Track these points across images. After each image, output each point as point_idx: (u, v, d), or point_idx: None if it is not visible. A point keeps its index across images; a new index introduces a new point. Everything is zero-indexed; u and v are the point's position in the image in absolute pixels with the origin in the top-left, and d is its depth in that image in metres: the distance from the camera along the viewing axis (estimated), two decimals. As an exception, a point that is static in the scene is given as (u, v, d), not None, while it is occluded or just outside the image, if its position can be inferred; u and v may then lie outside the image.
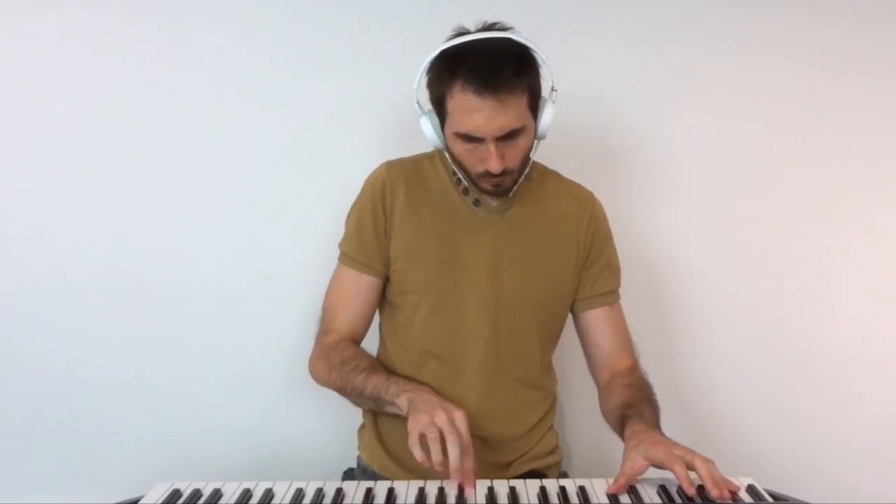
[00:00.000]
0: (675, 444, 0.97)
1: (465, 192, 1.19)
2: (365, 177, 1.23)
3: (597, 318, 1.25)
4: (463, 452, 0.93)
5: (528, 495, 0.95)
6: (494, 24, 1.09)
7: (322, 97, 1.51)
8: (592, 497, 0.95)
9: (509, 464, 1.20)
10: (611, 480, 0.98)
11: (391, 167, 1.21)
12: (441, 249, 1.17)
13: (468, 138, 1.06)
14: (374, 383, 1.09)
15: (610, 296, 1.26)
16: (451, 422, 0.94)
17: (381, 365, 1.17)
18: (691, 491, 0.91)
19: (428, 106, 1.12)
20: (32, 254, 1.48)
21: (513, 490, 0.95)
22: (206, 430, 1.54)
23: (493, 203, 1.19)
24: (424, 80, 1.11)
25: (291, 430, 1.55)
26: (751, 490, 0.97)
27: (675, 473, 0.92)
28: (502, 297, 1.17)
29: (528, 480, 0.99)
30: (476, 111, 1.02)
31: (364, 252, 1.19)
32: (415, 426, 0.95)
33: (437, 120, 1.11)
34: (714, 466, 0.93)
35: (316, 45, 1.50)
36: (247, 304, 1.52)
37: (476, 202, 1.18)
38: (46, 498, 1.47)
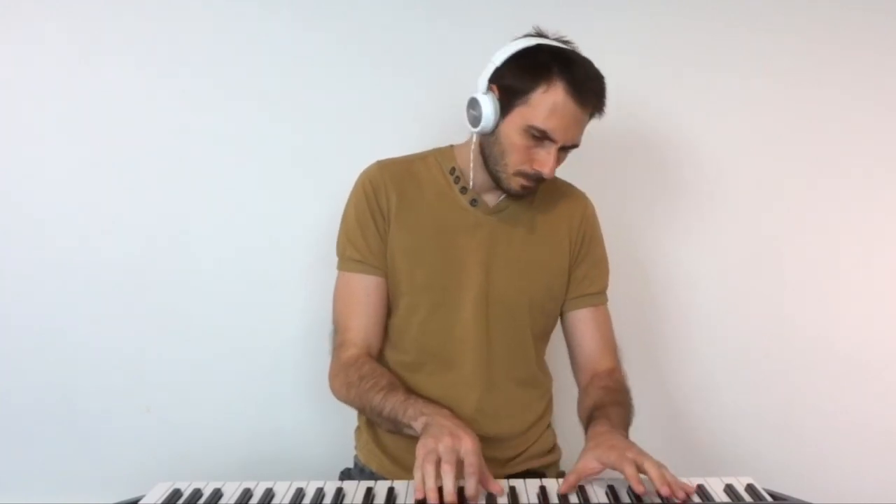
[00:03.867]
0: (631, 447, 0.96)
1: (463, 190, 1.19)
2: None
3: (581, 319, 1.25)
4: (466, 476, 0.89)
5: (527, 495, 0.95)
6: (570, 42, 1.12)
7: (325, 98, 1.51)
8: (592, 497, 0.95)
9: (507, 461, 1.20)
10: (612, 481, 0.98)
11: (383, 167, 1.21)
12: (438, 250, 1.17)
13: (539, 136, 1.07)
14: (392, 404, 1.04)
15: (595, 297, 1.26)
16: (455, 450, 0.90)
17: (400, 383, 1.12)
18: (640, 489, 0.90)
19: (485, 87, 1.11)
20: (32, 254, 1.48)
21: (512, 490, 0.95)
22: (207, 430, 1.54)
23: (491, 202, 1.19)
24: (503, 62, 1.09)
25: (289, 430, 1.55)
26: (750, 490, 0.97)
27: (625, 474, 0.92)
28: (496, 295, 1.17)
29: (527, 480, 0.99)
30: (565, 116, 1.05)
31: (370, 252, 1.18)
32: (419, 452, 0.91)
33: (497, 104, 1.09)
34: (665, 469, 0.93)
35: (318, 46, 1.50)
36: (247, 305, 1.52)
37: (473, 201, 1.19)
38: (46, 498, 1.47)
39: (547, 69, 1.05)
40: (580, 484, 0.98)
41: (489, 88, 1.10)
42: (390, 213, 1.17)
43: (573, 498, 0.95)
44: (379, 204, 1.17)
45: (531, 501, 0.94)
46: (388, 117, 1.51)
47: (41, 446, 1.52)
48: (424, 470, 0.88)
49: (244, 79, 1.49)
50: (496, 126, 1.10)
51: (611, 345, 1.26)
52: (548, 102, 1.05)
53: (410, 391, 1.10)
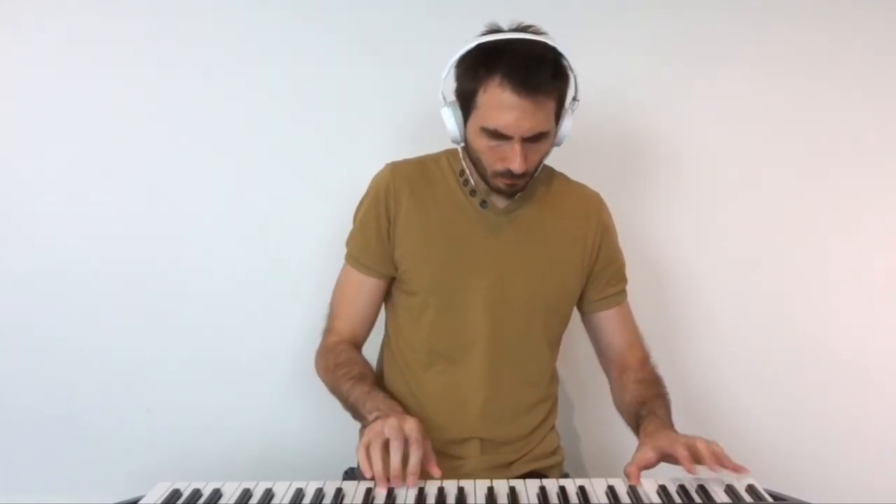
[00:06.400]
0: (683, 436, 1.01)
1: (472, 192, 1.19)
2: (369, 175, 1.23)
3: (608, 318, 1.26)
4: (411, 448, 0.92)
5: (527, 495, 0.95)
6: (529, 26, 1.09)
7: (327, 95, 1.51)
8: (592, 497, 0.95)
9: (510, 464, 1.20)
10: (612, 481, 0.99)
11: (396, 168, 1.21)
12: (448, 250, 1.17)
13: (495, 135, 1.06)
14: (356, 395, 1.08)
15: (620, 296, 1.27)
16: (400, 428, 0.93)
17: (372, 374, 1.16)
18: (691, 469, 0.95)
19: (450, 98, 1.12)
20: (33, 254, 1.48)
21: (512, 490, 0.95)
22: (207, 430, 1.54)
23: (500, 204, 1.19)
24: (452, 72, 1.10)
25: (292, 429, 1.55)
26: (751, 490, 0.97)
27: (677, 455, 0.96)
28: (509, 298, 1.17)
29: (527, 480, 0.99)
30: (510, 109, 1.03)
31: (367, 254, 1.19)
32: (365, 436, 0.94)
33: (459, 113, 1.10)
34: (717, 446, 0.98)
35: (321, 44, 1.50)
36: (248, 304, 1.52)
37: (483, 203, 1.18)
38: (46, 498, 1.47)
39: (483, 68, 1.04)
40: (581, 485, 0.98)
41: (454, 100, 1.11)
42: (398, 217, 1.18)
43: (573, 498, 0.95)
44: (387, 207, 1.18)
45: (531, 502, 0.94)
46: (394, 118, 1.51)
47: (41, 446, 1.52)
48: (371, 453, 0.91)
49: (247, 79, 1.49)
50: (464, 135, 1.11)
51: (637, 336, 1.28)
52: (489, 101, 1.04)
53: (376, 385, 1.12)
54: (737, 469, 0.96)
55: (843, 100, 1.59)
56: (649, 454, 1.00)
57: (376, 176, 1.22)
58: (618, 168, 1.57)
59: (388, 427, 0.94)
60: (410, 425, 0.95)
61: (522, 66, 1.02)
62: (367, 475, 0.91)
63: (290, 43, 1.50)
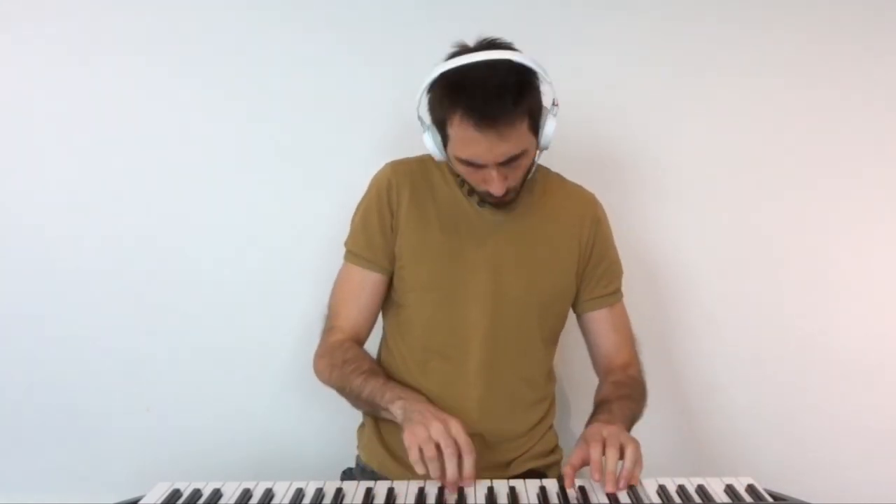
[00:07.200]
0: (606, 429, 0.99)
1: (470, 191, 1.19)
2: (367, 176, 1.24)
3: (598, 319, 1.26)
4: (464, 455, 0.94)
5: (527, 495, 0.95)
6: (494, 40, 1.07)
7: (325, 97, 1.51)
8: (592, 497, 0.95)
9: (509, 462, 1.20)
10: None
11: (396, 167, 1.22)
12: (445, 248, 1.18)
13: (469, 164, 1.07)
14: (371, 387, 1.09)
15: (611, 297, 1.27)
16: (447, 432, 0.95)
17: (381, 369, 1.17)
18: (595, 477, 0.94)
19: (427, 120, 1.12)
20: (32, 253, 1.48)
21: (512, 490, 0.96)
22: (207, 430, 1.54)
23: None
24: (425, 97, 1.09)
25: (290, 430, 1.55)
26: (751, 490, 0.97)
27: (590, 456, 0.95)
28: (505, 295, 1.18)
29: (527, 480, 0.99)
30: (476, 143, 1.03)
31: (370, 249, 1.20)
32: (412, 441, 0.95)
33: (439, 137, 1.10)
34: (637, 461, 0.96)
35: (319, 45, 1.50)
36: (247, 305, 1.52)
37: (481, 202, 1.19)
38: (46, 498, 1.47)
39: (447, 102, 1.04)
40: (580, 485, 0.98)
41: (431, 125, 1.11)
42: (399, 212, 1.19)
43: (573, 498, 0.95)
44: (389, 201, 1.19)
45: (531, 502, 0.94)
46: (393, 118, 1.50)
47: (41, 446, 1.52)
48: (430, 465, 0.92)
49: (247, 79, 1.49)
50: (447, 157, 1.11)
51: (627, 339, 1.28)
52: (457, 135, 1.05)
53: (390, 378, 1.13)
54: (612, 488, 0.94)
55: (841, 100, 1.59)
56: (574, 457, 0.99)
57: (377, 174, 1.23)
58: (615, 169, 1.57)
59: (436, 431, 0.94)
60: (455, 427, 0.96)
61: (482, 100, 0.99)
62: (421, 472, 0.94)
63: (290, 43, 1.50)
